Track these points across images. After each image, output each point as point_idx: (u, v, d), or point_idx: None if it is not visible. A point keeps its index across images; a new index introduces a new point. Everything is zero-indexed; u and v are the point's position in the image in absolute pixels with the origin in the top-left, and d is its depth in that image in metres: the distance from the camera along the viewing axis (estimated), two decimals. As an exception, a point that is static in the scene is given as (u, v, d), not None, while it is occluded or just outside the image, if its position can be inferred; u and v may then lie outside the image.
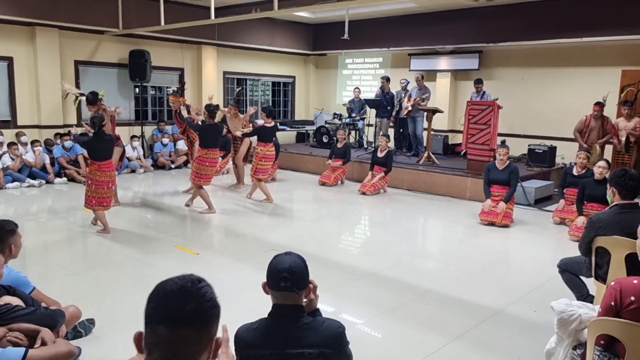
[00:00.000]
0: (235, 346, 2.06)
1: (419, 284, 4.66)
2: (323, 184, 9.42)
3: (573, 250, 4.38)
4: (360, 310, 4.11)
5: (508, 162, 6.97)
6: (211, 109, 7.32)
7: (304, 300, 2.11)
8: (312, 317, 2.07)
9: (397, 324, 3.84)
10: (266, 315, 2.07)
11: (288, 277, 1.97)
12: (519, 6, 9.81)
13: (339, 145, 9.58)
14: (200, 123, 7.44)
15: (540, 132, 10.41)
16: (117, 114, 7.38)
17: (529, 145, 9.80)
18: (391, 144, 11.23)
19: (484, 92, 9.87)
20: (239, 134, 8.57)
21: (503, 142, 7.68)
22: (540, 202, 8.19)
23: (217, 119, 7.98)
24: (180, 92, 8.90)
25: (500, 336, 3.71)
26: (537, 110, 10.60)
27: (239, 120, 8.91)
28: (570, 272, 3.92)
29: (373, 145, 10.63)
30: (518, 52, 10.77)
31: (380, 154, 8.79)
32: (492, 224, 6.80)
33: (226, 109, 9.15)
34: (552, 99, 10.41)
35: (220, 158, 8.66)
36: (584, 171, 6.82)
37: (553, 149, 9.56)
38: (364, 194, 8.62)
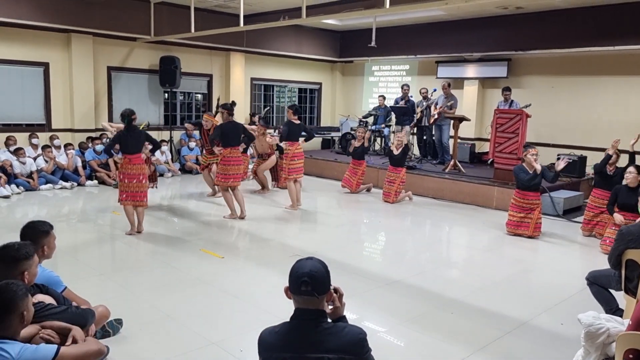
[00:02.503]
0: (258, 349, 2.10)
1: (443, 293, 4.63)
2: (344, 187, 9.39)
3: (602, 263, 4.29)
4: (383, 318, 4.10)
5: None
6: (228, 107, 7.17)
7: (330, 307, 2.12)
8: (333, 323, 2.08)
9: (420, 333, 3.82)
10: (288, 319, 2.10)
11: (308, 281, 1.99)
12: (550, 13, 9.69)
13: (357, 144, 9.29)
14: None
15: (569, 142, 10.22)
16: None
17: (557, 155, 9.61)
18: (416, 151, 11.22)
19: (512, 100, 9.75)
20: (269, 140, 8.64)
21: (526, 145, 7.26)
22: (569, 213, 8.03)
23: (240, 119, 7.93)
24: (215, 113, 8.93)
25: (526, 348, 3.65)
26: (567, 120, 10.41)
27: (265, 139, 8.96)
28: (599, 284, 3.84)
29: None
30: (548, 60, 10.62)
31: (396, 152, 8.68)
32: (519, 234, 6.71)
33: (254, 127, 9.09)
34: (582, 108, 10.21)
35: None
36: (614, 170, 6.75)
37: (583, 159, 9.37)
38: (390, 202, 8.60)
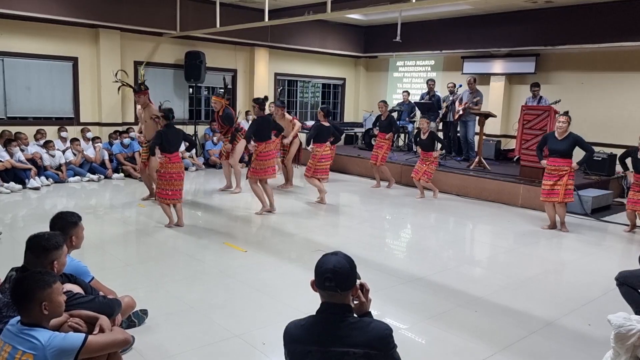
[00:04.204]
0: (283, 341, 2.11)
1: (467, 291, 4.57)
2: (371, 162, 9.45)
3: (632, 263, 4.18)
4: (405, 314, 4.07)
5: (568, 132, 6.59)
6: (260, 102, 7.18)
7: (355, 302, 2.11)
8: (358, 318, 2.08)
9: (443, 331, 3.78)
10: (314, 313, 2.10)
11: (332, 277, 1.99)
12: (580, 8, 9.46)
13: (382, 117, 9.39)
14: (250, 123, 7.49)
15: (599, 139, 9.97)
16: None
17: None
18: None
19: (541, 96, 9.57)
20: (286, 141, 8.68)
21: (566, 112, 6.91)
22: (598, 211, 7.86)
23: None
24: (223, 94, 8.92)
25: (552, 349, 3.59)
26: (596, 116, 10.17)
27: (286, 121, 8.97)
28: (629, 285, 3.74)
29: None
30: (578, 55, 10.38)
31: (423, 136, 8.58)
32: (553, 227, 6.79)
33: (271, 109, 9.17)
34: (613, 105, 9.97)
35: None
36: None
37: (613, 157, 9.14)
38: (419, 180, 8.58)
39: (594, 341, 3.62)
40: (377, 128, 9.66)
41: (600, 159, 9.13)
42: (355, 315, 2.10)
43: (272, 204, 7.21)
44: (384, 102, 9.54)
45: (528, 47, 10.62)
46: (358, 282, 2.12)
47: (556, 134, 6.64)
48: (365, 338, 1.97)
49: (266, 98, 7.44)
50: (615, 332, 2.57)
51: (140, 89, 7.44)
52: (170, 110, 6.38)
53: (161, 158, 6.19)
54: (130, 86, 8.06)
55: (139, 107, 7.68)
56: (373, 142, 11.83)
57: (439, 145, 8.66)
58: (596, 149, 9.53)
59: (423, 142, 8.56)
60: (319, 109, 8.16)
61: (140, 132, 7.81)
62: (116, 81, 7.98)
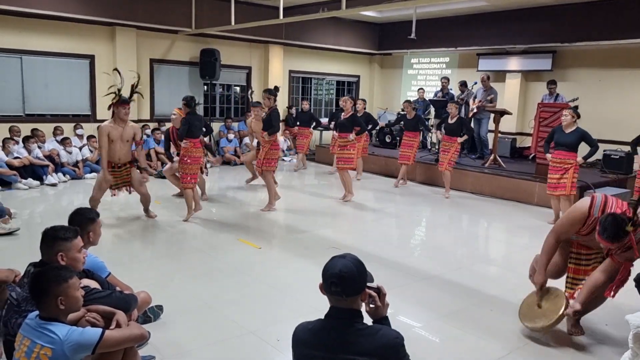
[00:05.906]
0: (292, 343, 2.09)
1: (482, 289, 4.55)
2: (402, 163, 9.31)
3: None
4: (419, 312, 4.06)
5: (576, 126, 6.56)
6: (275, 93, 7.06)
7: (371, 305, 2.05)
8: (368, 324, 2.02)
9: (457, 329, 3.76)
10: (323, 316, 2.06)
11: (337, 282, 1.93)
12: (597, 3, 9.32)
13: (409, 117, 9.28)
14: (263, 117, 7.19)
15: (617, 137, 9.84)
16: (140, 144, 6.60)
17: (604, 151, 9.28)
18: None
19: (558, 94, 9.46)
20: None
21: (575, 108, 6.84)
22: (615, 210, 7.74)
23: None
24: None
25: (568, 349, 3.54)
26: (614, 114, 10.03)
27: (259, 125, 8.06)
28: (647, 285, 3.69)
29: (437, 147, 10.43)
30: (595, 52, 10.23)
31: (451, 121, 8.48)
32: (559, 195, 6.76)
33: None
34: (631, 102, 9.81)
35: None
36: None
37: (630, 155, 9.01)
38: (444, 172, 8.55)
39: (612, 341, 3.59)
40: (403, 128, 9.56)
41: (617, 157, 9.00)
42: (370, 319, 2.04)
43: (275, 194, 7.31)
44: (409, 101, 9.52)
45: (544, 44, 10.50)
46: (375, 285, 2.05)
47: (563, 128, 6.64)
48: (373, 346, 1.90)
49: (277, 88, 7.46)
50: (633, 332, 2.54)
51: (129, 100, 6.24)
52: (193, 98, 6.64)
53: (186, 144, 6.41)
54: (115, 95, 6.25)
55: (107, 123, 6.17)
56: (387, 140, 11.84)
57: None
58: (613, 147, 9.45)
59: (450, 126, 8.47)
60: (347, 98, 8.05)
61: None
62: (109, 91, 6.36)
